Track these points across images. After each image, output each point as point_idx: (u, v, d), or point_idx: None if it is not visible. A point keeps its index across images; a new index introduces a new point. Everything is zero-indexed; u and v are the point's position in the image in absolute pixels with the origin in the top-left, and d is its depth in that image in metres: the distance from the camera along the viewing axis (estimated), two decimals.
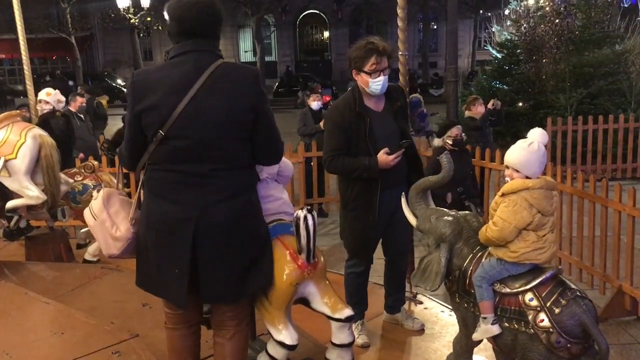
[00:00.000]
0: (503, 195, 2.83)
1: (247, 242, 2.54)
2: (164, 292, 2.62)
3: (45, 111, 6.16)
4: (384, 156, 3.38)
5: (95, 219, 2.77)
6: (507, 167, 2.88)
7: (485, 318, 2.82)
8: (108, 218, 2.75)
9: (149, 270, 2.62)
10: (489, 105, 7.90)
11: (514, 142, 2.93)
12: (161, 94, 2.44)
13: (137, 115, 2.48)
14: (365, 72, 3.38)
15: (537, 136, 2.84)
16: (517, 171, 2.82)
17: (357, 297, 3.69)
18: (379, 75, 3.38)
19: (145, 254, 2.62)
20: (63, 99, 6.43)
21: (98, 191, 2.89)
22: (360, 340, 3.66)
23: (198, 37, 2.50)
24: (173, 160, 2.48)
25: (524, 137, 2.92)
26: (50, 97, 6.24)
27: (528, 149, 2.81)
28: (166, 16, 2.55)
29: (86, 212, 2.85)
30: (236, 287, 2.58)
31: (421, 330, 3.88)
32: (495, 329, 2.81)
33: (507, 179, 2.89)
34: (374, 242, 3.69)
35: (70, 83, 25.50)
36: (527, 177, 2.79)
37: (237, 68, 2.59)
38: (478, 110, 7.70)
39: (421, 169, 3.74)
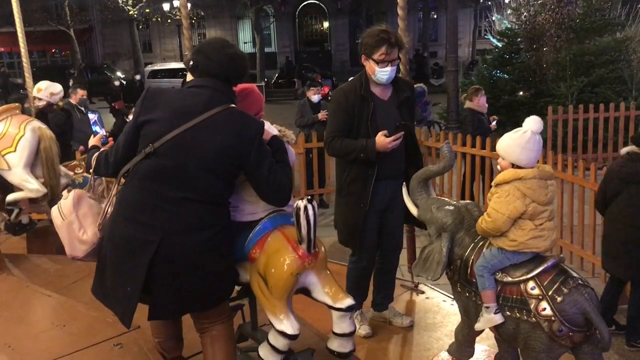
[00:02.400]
0: (496, 185, 2.81)
1: (201, 274, 2.55)
2: (114, 306, 2.65)
3: (40, 107, 6.13)
4: (381, 138, 3.35)
5: (64, 219, 2.80)
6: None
7: (487, 307, 2.82)
8: (76, 220, 2.78)
9: (103, 281, 2.65)
10: (492, 126, 7.63)
11: None
12: (167, 112, 2.53)
13: (140, 125, 2.56)
14: (374, 60, 3.38)
15: (530, 125, 2.79)
16: (506, 160, 2.81)
17: (357, 291, 3.63)
18: (386, 66, 3.38)
19: (103, 264, 2.65)
20: (57, 90, 6.35)
21: (69, 191, 2.91)
22: (362, 330, 3.66)
23: (220, 79, 2.61)
24: (152, 177, 2.51)
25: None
26: (41, 93, 6.18)
27: (514, 137, 2.79)
28: (200, 52, 2.66)
29: (54, 211, 2.86)
30: (180, 309, 2.67)
31: (411, 326, 3.85)
32: (498, 318, 2.81)
33: (498, 167, 2.88)
34: (370, 235, 3.58)
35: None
36: (516, 166, 2.77)
37: (243, 117, 2.62)
38: (480, 102, 7.42)
39: (421, 163, 3.68)
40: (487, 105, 7.57)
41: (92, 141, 2.98)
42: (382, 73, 3.40)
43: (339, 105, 3.49)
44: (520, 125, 2.85)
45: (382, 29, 3.39)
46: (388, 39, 3.34)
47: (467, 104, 7.52)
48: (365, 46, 3.42)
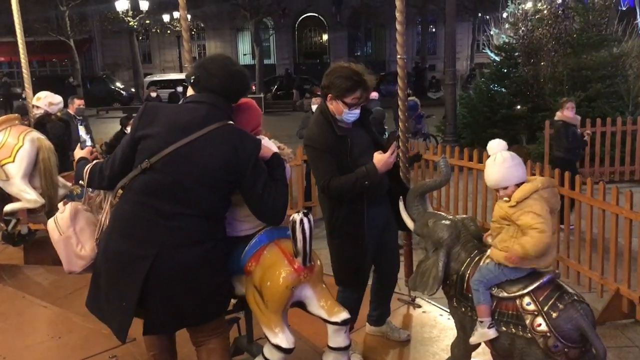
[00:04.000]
0: (517, 204, 2.71)
1: (196, 289, 2.55)
2: (108, 320, 2.64)
3: (38, 115, 6.14)
4: (379, 156, 3.20)
5: (61, 234, 2.79)
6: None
7: (481, 322, 2.82)
8: (74, 235, 2.78)
9: (98, 296, 2.64)
10: (585, 137, 7.43)
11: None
12: (164, 127, 2.53)
13: (137, 140, 2.57)
14: (344, 103, 3.19)
15: (495, 149, 2.80)
16: (509, 188, 2.78)
17: (353, 317, 3.35)
18: (357, 108, 3.24)
19: (98, 278, 2.65)
20: (56, 100, 6.36)
21: (65, 204, 2.89)
22: (354, 358, 3.46)
23: (220, 96, 2.62)
24: (147, 192, 2.51)
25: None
26: (40, 102, 6.20)
27: (495, 168, 2.78)
28: (202, 67, 2.67)
29: (51, 224, 2.84)
30: (175, 323, 2.66)
31: (408, 341, 3.81)
32: (492, 333, 2.81)
33: (505, 198, 2.80)
34: (368, 267, 3.48)
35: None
36: (517, 185, 2.76)
37: (240, 134, 2.62)
38: (564, 114, 7.18)
39: (398, 172, 3.58)
40: (579, 117, 7.37)
41: (80, 153, 2.93)
42: (351, 115, 3.24)
43: (319, 150, 3.27)
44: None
45: (354, 70, 3.19)
46: (363, 83, 3.18)
47: (558, 115, 7.28)
48: (336, 88, 3.19)
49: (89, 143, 7.71)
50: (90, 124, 8.95)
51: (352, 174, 3.20)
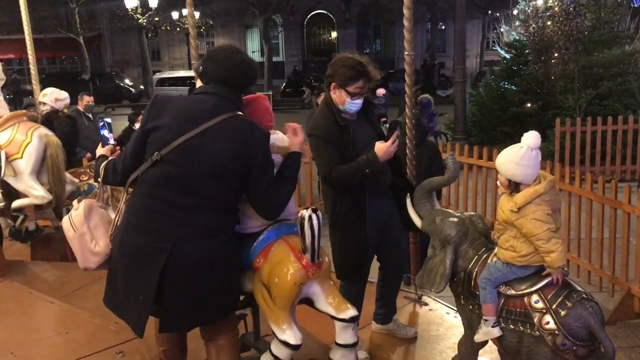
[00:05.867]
0: (519, 209, 2.68)
1: (213, 282, 2.55)
2: (126, 315, 2.63)
3: (45, 112, 6.15)
4: (380, 145, 3.19)
5: (75, 231, 2.80)
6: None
7: (486, 320, 2.80)
8: (88, 231, 2.78)
9: (115, 291, 2.63)
10: None
11: None
12: (174, 118, 2.53)
13: (147, 132, 2.56)
14: (347, 92, 3.23)
15: (527, 140, 2.72)
16: (503, 176, 2.75)
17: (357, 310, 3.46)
18: (359, 98, 3.26)
19: (114, 274, 2.64)
20: (62, 97, 6.35)
21: (79, 201, 2.91)
22: (360, 355, 3.42)
23: (229, 86, 2.61)
24: (160, 185, 2.51)
25: None
26: (46, 98, 6.20)
27: (509, 153, 2.73)
28: (209, 58, 2.67)
29: (65, 221, 2.86)
30: (192, 320, 2.64)
31: (414, 338, 3.79)
32: (496, 332, 2.79)
33: (498, 182, 2.79)
34: (370, 260, 3.48)
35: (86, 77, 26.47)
36: (513, 182, 2.72)
37: (250, 125, 2.61)
38: None
39: (402, 165, 3.58)
40: None
41: (101, 150, 2.97)
42: (353, 105, 3.27)
43: (322, 140, 3.30)
44: None
45: (357, 60, 3.24)
46: (366, 73, 3.22)
47: None
48: (340, 76, 3.23)
49: (111, 142, 7.79)
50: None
51: (354, 162, 3.21)
